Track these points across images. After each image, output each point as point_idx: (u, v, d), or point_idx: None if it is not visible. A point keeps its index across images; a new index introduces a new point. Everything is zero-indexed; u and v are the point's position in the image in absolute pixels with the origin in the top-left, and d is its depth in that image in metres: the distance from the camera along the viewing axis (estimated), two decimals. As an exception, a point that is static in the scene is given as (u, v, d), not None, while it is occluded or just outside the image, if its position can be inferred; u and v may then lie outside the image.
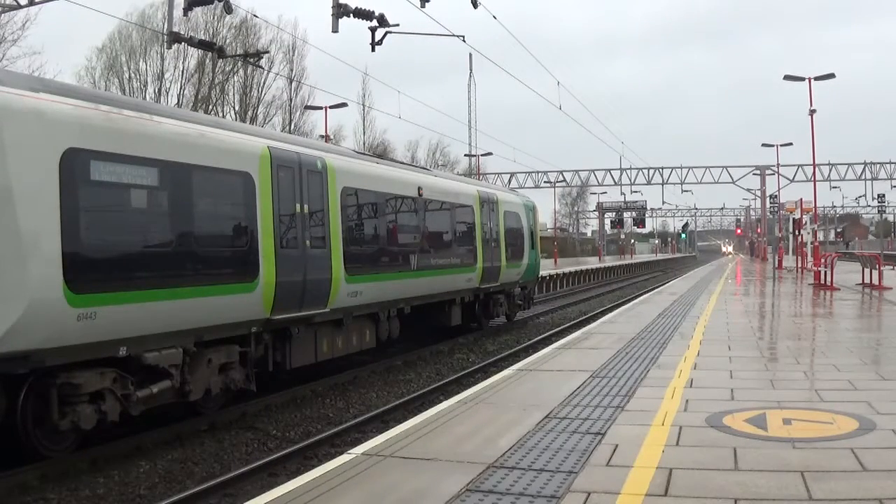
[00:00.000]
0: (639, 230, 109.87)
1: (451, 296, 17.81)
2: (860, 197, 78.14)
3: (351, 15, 16.00)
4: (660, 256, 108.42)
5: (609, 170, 67.27)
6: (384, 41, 17.27)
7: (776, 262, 44.56)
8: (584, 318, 23.83)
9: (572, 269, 47.89)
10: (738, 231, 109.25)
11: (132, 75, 46.70)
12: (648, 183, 67.21)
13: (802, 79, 33.41)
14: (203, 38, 32.94)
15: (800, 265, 37.28)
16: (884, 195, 75.62)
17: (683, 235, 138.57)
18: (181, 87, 47.85)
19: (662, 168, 67.14)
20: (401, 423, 7.73)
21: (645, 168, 67.88)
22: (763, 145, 52.91)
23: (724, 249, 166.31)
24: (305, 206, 11.78)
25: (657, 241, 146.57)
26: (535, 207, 24.77)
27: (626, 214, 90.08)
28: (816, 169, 36.63)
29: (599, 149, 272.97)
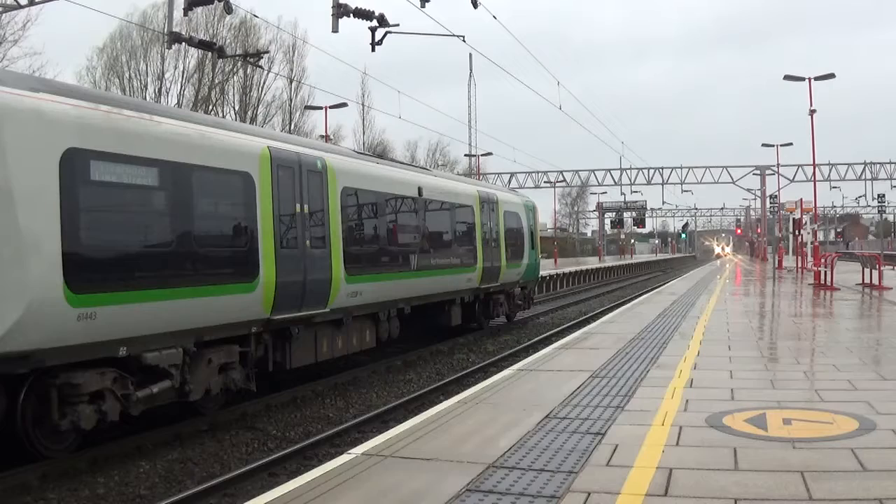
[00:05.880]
0: (639, 230, 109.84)
1: (451, 296, 17.80)
2: (860, 197, 78.24)
3: (351, 15, 15.99)
4: (660, 256, 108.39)
5: (609, 170, 67.28)
6: (384, 41, 17.28)
7: (776, 263, 44.56)
8: (584, 318, 23.82)
9: (572, 269, 47.88)
10: (738, 231, 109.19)
11: (132, 75, 46.80)
12: (648, 183, 67.19)
13: (802, 79, 33.40)
14: (203, 38, 32.90)
15: (800, 265, 37.28)
16: (884, 195, 75.60)
17: (683, 235, 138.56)
18: (181, 87, 47.97)
19: (662, 168, 67.15)
20: (401, 423, 7.73)
21: (645, 168, 67.90)
22: (763, 145, 52.95)
23: (718, 251, 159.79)
24: (305, 206, 11.78)
25: (657, 242, 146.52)
26: (535, 207, 24.77)
27: (626, 214, 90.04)
28: (816, 169, 36.62)
29: (601, 149, 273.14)
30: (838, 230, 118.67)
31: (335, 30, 15.84)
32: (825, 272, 25.47)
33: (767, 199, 58.54)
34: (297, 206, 11.60)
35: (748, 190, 65.90)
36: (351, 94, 66.92)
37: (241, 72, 49.44)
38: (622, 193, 72.59)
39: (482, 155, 63.94)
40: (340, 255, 12.62)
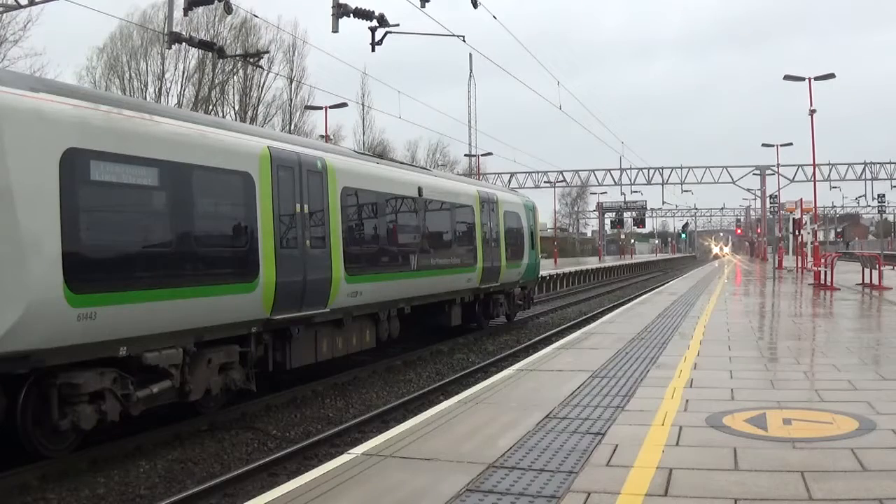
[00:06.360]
0: (639, 230, 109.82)
1: (451, 296, 17.80)
2: (860, 197, 78.24)
3: (351, 15, 15.99)
4: (660, 256, 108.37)
5: (609, 170, 67.26)
6: (384, 41, 17.28)
7: (776, 263, 44.56)
8: (584, 318, 23.82)
9: (572, 269, 47.88)
10: (739, 231, 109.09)
11: (133, 75, 46.80)
12: (648, 183, 67.15)
13: (802, 79, 33.39)
14: (203, 38, 32.91)
15: (800, 265, 37.27)
16: (884, 195, 75.78)
17: (683, 235, 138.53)
18: (181, 87, 47.98)
19: (662, 168, 67.13)
20: (401, 423, 7.74)
21: (645, 168, 67.86)
22: (763, 145, 52.95)
23: (716, 251, 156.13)
24: (305, 206, 11.77)
25: (657, 242, 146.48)
26: (535, 207, 24.77)
27: (626, 214, 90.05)
28: (816, 169, 36.61)
29: (601, 149, 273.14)
30: (838, 230, 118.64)
31: (335, 30, 15.84)
32: (825, 272, 25.46)
33: (767, 199, 58.53)
34: (297, 205, 11.60)
35: (748, 190, 65.93)
36: (351, 94, 66.96)
37: (241, 72, 49.45)
38: (622, 193, 72.61)
39: (482, 155, 64.03)
40: (340, 255, 12.62)
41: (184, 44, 18.32)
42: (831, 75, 33.64)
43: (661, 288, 30.60)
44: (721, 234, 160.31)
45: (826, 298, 21.16)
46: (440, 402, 9.20)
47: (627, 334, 12.81)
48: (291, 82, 51.65)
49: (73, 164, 7.93)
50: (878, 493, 4.55)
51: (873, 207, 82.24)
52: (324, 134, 40.45)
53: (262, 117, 50.86)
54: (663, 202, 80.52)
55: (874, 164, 63.10)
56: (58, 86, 8.66)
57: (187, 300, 9.27)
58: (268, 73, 49.44)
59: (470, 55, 74.66)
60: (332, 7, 15.72)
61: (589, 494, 4.70)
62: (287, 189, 11.36)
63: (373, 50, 17.24)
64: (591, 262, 64.41)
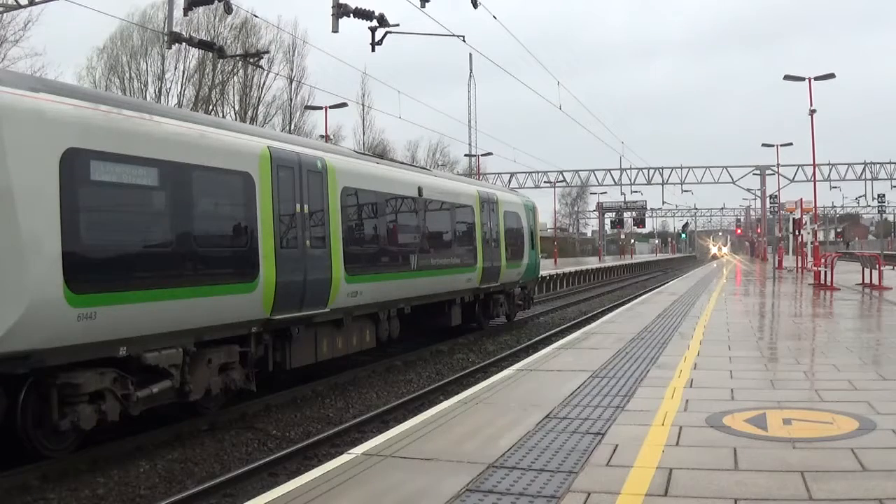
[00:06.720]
0: (639, 230, 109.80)
1: (451, 296, 17.80)
2: (860, 197, 78.23)
3: (351, 15, 15.99)
4: (660, 256, 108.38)
5: (609, 170, 67.15)
6: (384, 41, 17.28)
7: (776, 263, 44.57)
8: (584, 318, 23.82)
9: (572, 269, 47.87)
10: (739, 231, 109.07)
11: (133, 75, 46.83)
12: (648, 183, 67.04)
13: (802, 79, 33.38)
14: (203, 38, 32.92)
15: (800, 265, 37.28)
16: (884, 195, 75.73)
17: (683, 235, 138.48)
18: (181, 88, 47.99)
19: (662, 168, 66.98)
20: (401, 423, 7.74)
21: (645, 168, 67.73)
22: (763, 145, 52.93)
23: (714, 251, 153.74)
24: (305, 206, 11.78)
25: (657, 242, 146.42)
26: (535, 207, 24.77)
27: (626, 214, 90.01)
28: (816, 169, 36.61)
29: (601, 150, 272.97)
30: (838, 230, 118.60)
31: (335, 30, 15.83)
32: (825, 272, 25.47)
33: (767, 199, 58.52)
34: (297, 206, 11.60)
35: (748, 190, 65.86)
36: (351, 94, 66.84)
37: (241, 72, 49.45)
38: (622, 193, 72.48)
39: (482, 155, 64.02)
40: (340, 255, 12.62)
41: (184, 44, 18.32)
42: (831, 75, 33.63)
43: (661, 288, 30.60)
44: (720, 234, 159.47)
45: (826, 298, 21.17)
46: (440, 402, 9.20)
47: (627, 334, 12.81)
48: (291, 82, 51.72)
49: (73, 164, 7.93)
50: (878, 493, 4.56)
51: (873, 207, 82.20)
52: (324, 134, 40.46)
53: (262, 117, 50.91)
54: (663, 202, 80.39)
55: (874, 164, 63.07)
56: (58, 86, 8.66)
57: (187, 300, 9.27)
58: (268, 73, 49.51)
59: (470, 55, 74.74)
60: (332, 7, 15.72)
61: (589, 494, 4.71)
62: (287, 189, 11.36)
63: (373, 50, 17.24)
64: (591, 262, 64.41)
